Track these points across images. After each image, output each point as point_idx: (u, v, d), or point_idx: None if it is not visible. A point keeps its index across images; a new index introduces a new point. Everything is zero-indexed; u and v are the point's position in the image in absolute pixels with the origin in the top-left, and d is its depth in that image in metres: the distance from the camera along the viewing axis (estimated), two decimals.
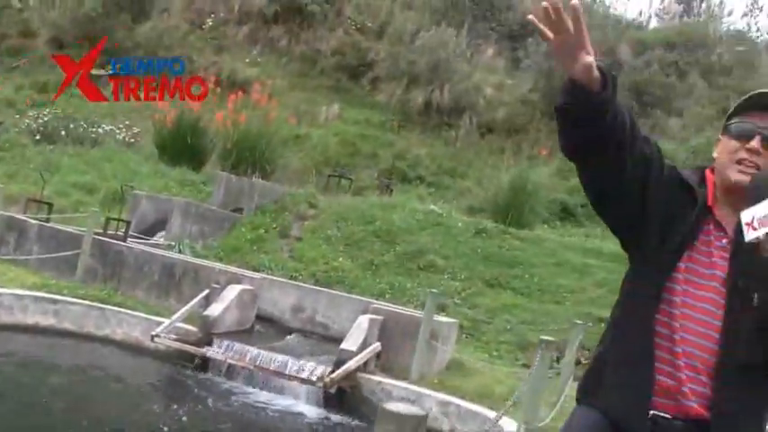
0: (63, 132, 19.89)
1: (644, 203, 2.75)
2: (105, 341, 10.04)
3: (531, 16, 2.58)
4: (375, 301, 11.03)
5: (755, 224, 2.54)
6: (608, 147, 2.59)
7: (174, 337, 9.49)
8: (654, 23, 37.11)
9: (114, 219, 12.71)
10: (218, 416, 8.42)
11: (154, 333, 9.31)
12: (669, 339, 2.72)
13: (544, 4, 2.43)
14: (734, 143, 2.83)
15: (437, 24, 26.95)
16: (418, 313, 10.15)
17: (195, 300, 10.00)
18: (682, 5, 39.74)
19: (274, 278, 11.75)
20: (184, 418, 8.09)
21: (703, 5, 34.08)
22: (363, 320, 9.63)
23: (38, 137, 19.83)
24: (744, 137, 2.81)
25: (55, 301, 10.06)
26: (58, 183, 16.39)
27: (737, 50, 30.63)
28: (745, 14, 50.69)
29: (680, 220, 2.78)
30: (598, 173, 2.68)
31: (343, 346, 9.15)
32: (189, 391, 9.01)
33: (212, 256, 13.25)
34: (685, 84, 27.68)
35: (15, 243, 12.20)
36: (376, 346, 9.51)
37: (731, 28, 46.41)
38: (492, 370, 10.58)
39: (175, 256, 12.05)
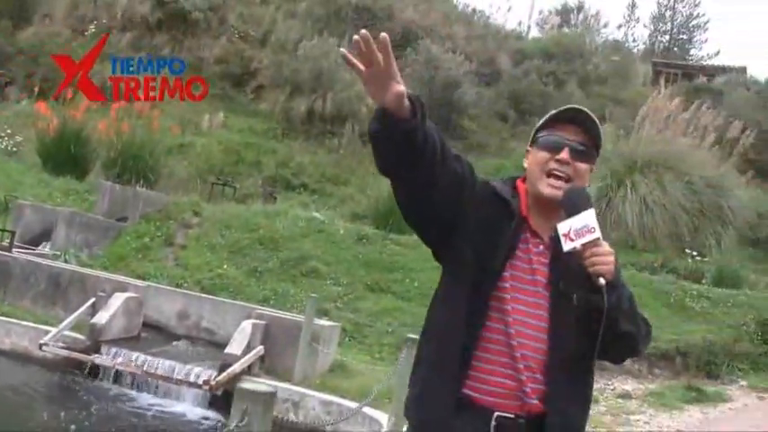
0: None
1: (457, 219, 2.90)
2: None
3: (342, 50, 2.71)
4: (258, 307, 11.48)
5: (572, 236, 2.78)
6: (419, 167, 2.72)
7: (62, 345, 9.82)
8: (534, 33, 38.42)
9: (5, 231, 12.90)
10: (106, 420, 8.80)
11: (42, 342, 9.62)
12: (506, 345, 2.88)
13: (356, 37, 2.57)
14: (543, 154, 3.02)
15: (319, 33, 27.47)
16: (300, 317, 10.64)
17: (82, 308, 10.31)
18: (560, 17, 41.22)
19: (159, 286, 12.13)
20: (73, 425, 8.44)
21: (580, 17, 35.37)
22: (247, 325, 10.09)
23: None
24: (553, 149, 3.00)
25: None
26: None
27: (612, 60, 32.02)
28: (620, 25, 52.74)
29: (499, 232, 2.95)
30: (411, 191, 2.82)
31: (228, 350, 9.61)
32: (78, 398, 9.35)
33: (98, 265, 13.50)
34: (563, 93, 28.74)
35: None
36: (259, 349, 9.98)
37: (610, 38, 48.41)
38: (373, 371, 11.13)
39: (61, 265, 12.31)
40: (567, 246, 2.78)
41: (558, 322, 2.87)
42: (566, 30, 36.75)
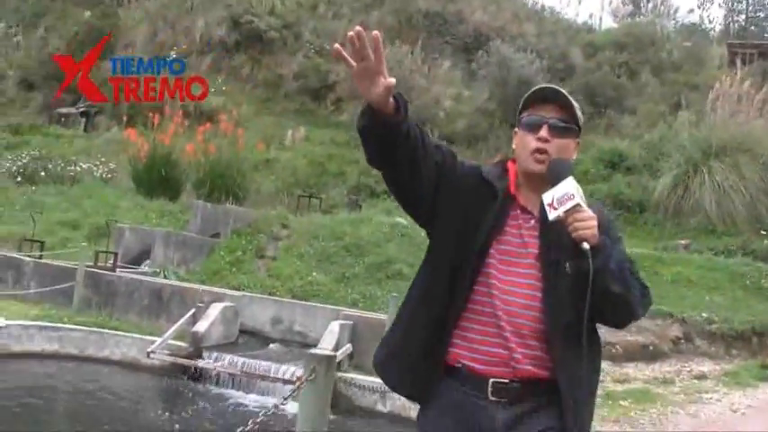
0: (42, 173, 21.11)
1: (437, 202, 3.16)
2: (105, 362, 11.32)
3: (336, 45, 2.92)
4: (346, 308, 12.35)
5: (555, 204, 2.97)
6: (404, 158, 2.99)
7: (168, 352, 10.81)
8: (607, 23, 38.60)
9: (103, 251, 14.00)
10: (211, 418, 9.73)
11: (149, 350, 10.61)
12: (493, 315, 3.07)
13: (350, 33, 2.80)
14: (526, 134, 3.22)
15: (392, 42, 28.25)
16: (384, 316, 11.46)
17: (183, 318, 11.31)
18: (632, 4, 41.29)
19: (253, 294, 13.05)
20: (180, 424, 9.39)
21: (650, 4, 35.51)
22: (335, 326, 10.99)
23: (19, 178, 21.05)
24: (534, 128, 3.19)
25: (57, 329, 11.37)
26: (45, 221, 17.57)
27: (685, 46, 32.09)
28: (691, 10, 52.28)
29: (482, 212, 3.15)
30: (398, 179, 3.09)
31: (318, 349, 10.46)
32: (184, 400, 10.32)
33: (195, 279, 14.46)
34: (636, 82, 29.06)
35: (13, 280, 13.50)
36: (348, 347, 10.85)
37: (684, 21, 48.15)
38: None
39: (161, 280, 13.40)
40: (551, 215, 2.98)
41: (551, 291, 3.05)
42: (636, 19, 36.82)
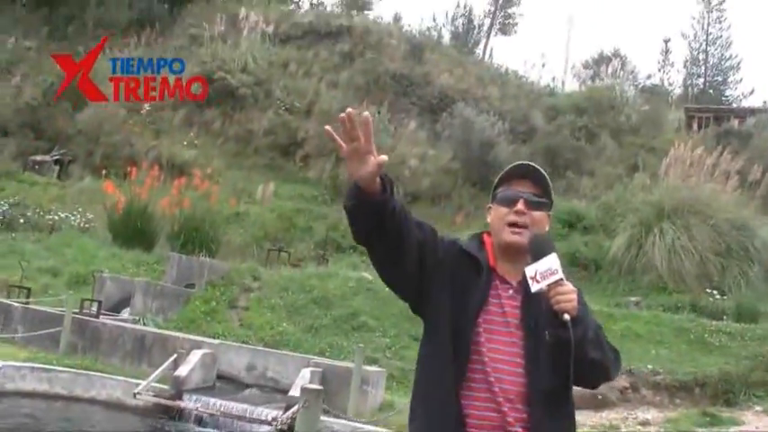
0: (21, 220, 22.03)
1: (423, 279, 3.33)
2: (92, 401, 12.25)
3: (327, 127, 3.13)
4: (315, 357, 13.45)
5: (538, 278, 3.12)
6: (389, 236, 3.13)
7: (152, 393, 11.79)
8: (570, 85, 40.09)
9: (88, 299, 14.96)
10: None
11: (135, 391, 11.61)
12: (485, 381, 3.24)
13: (341, 115, 2.94)
14: (502, 208, 3.43)
15: (360, 102, 29.49)
16: (351, 365, 12.53)
17: (166, 363, 12.30)
18: (593, 68, 42.89)
19: (230, 343, 14.09)
20: None
21: (610, 68, 37.00)
22: (306, 372, 12.09)
23: None
24: (510, 202, 3.40)
25: (48, 370, 12.31)
26: (26, 268, 18.50)
27: (644, 110, 33.55)
28: (650, 75, 53.90)
29: (470, 286, 3.34)
30: (384, 257, 3.26)
31: (291, 393, 11.51)
32: None
33: (173, 327, 15.40)
34: (596, 145, 30.33)
35: (1, 324, 14.44)
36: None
37: (647, 83, 49.76)
38: None
39: (144, 328, 14.40)
40: (534, 287, 3.15)
41: (533, 358, 3.24)
42: (597, 83, 38.25)
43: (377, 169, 3.02)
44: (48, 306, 15.37)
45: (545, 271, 3.12)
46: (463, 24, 60.13)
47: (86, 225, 22.67)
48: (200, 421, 11.76)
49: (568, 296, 3.10)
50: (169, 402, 11.72)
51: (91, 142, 31.00)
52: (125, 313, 16.06)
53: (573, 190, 27.77)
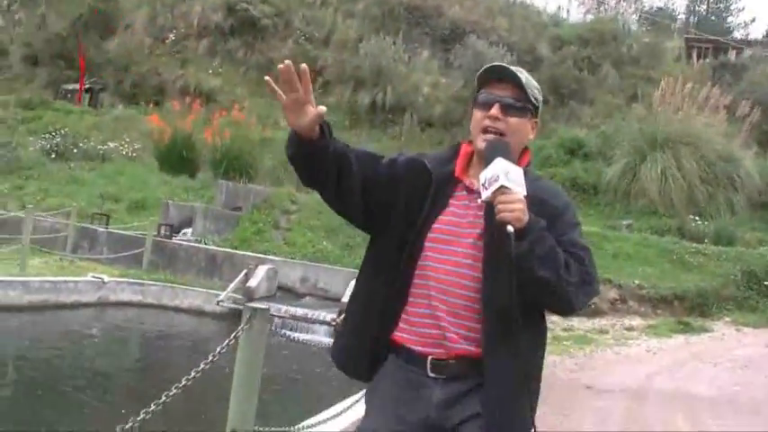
0: (75, 151, 25.06)
1: (372, 206, 3.24)
2: (177, 309, 15.48)
3: (266, 77, 3.04)
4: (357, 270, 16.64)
5: (486, 185, 2.99)
6: (334, 177, 3.10)
7: (232, 301, 15.02)
8: (574, 12, 42.52)
9: (164, 224, 18.14)
10: (269, 349, 13.94)
11: (218, 300, 14.84)
12: (426, 296, 3.16)
13: (280, 66, 2.89)
14: (478, 113, 3.24)
15: (376, 32, 32.26)
16: None
17: (240, 276, 15.51)
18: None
19: (287, 259, 17.23)
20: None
21: (612, 1, 39.46)
22: (353, 283, 15.27)
23: (53, 156, 24.97)
24: (486, 106, 3.21)
25: (140, 284, 15.53)
26: (88, 195, 21.62)
27: (645, 41, 36.19)
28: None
29: (417, 200, 3.23)
30: (333, 195, 3.19)
31: (344, 299, 14.67)
32: None
33: (228, 246, 18.49)
34: (597, 75, 33.13)
35: (88, 246, 17.66)
36: None
37: (649, 8, 51.97)
38: None
39: (215, 248, 17.60)
40: (483, 195, 3.00)
41: (491, 272, 3.07)
42: (602, 11, 40.80)
43: (317, 118, 2.99)
44: (120, 228, 18.58)
45: (491, 177, 2.99)
46: None
47: (134, 154, 25.69)
48: (271, 324, 14.93)
49: (511, 205, 2.93)
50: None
51: (120, 71, 33.82)
52: (187, 234, 19.16)
53: (575, 118, 30.68)
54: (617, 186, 23.89)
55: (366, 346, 3.28)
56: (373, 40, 31.54)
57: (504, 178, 2.95)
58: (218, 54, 34.91)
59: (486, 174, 3.01)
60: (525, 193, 2.99)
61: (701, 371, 13.05)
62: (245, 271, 15.67)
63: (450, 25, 34.16)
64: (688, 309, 17.67)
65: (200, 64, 34.29)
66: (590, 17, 40.15)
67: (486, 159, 3.08)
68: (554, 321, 14.11)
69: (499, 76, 3.27)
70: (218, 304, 14.87)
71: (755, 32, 49.81)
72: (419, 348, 3.18)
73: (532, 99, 3.30)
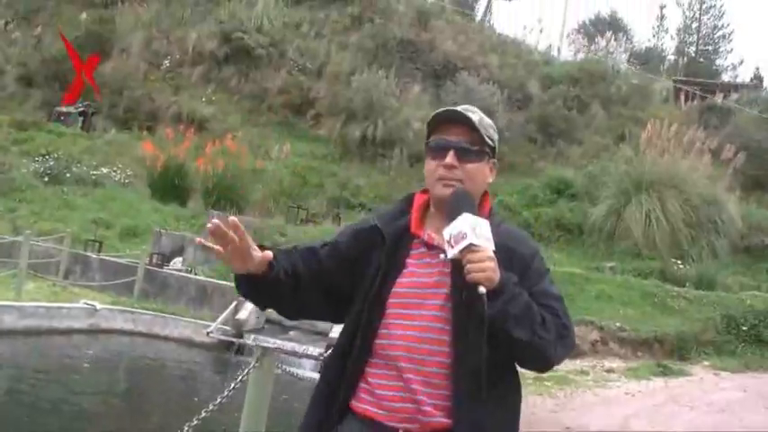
0: (68, 175, 25.41)
1: (332, 294, 3.18)
2: (167, 339, 15.80)
3: (198, 240, 3.03)
4: None
5: (452, 242, 2.82)
6: (287, 293, 3.06)
7: (221, 333, 15.37)
8: (565, 51, 43.27)
9: (155, 253, 18.51)
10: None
11: (207, 331, 15.15)
12: (395, 368, 2.97)
13: (209, 225, 2.82)
14: (432, 162, 3.09)
15: (369, 65, 32.68)
16: None
17: (230, 308, 15.84)
18: (592, 30, 45.99)
19: None
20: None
21: (603, 42, 40.13)
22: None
23: (46, 179, 25.31)
24: (439, 153, 3.06)
25: (132, 312, 15.87)
26: (80, 219, 21.96)
27: (633, 83, 36.80)
28: (645, 47, 56.50)
29: (371, 264, 3.08)
30: (294, 308, 3.22)
31: (331, 335, 15.05)
32: (234, 366, 14.89)
33: (217, 276, 18.78)
34: (586, 115, 33.63)
35: (80, 272, 18.00)
36: None
37: (641, 47, 52.67)
38: None
39: (206, 278, 17.94)
40: (449, 254, 2.83)
41: (461, 333, 2.91)
42: (593, 49, 41.40)
43: (264, 260, 2.95)
44: (113, 256, 18.93)
45: (457, 234, 2.81)
46: None
47: (127, 180, 26.07)
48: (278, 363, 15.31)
49: (480, 264, 2.77)
50: (236, 340, 15.31)
51: (114, 95, 34.25)
52: (177, 263, 19.51)
53: (563, 157, 31.13)
54: (602, 227, 24.20)
55: (327, 414, 3.11)
56: (366, 73, 31.96)
57: (473, 235, 2.81)
58: (212, 81, 35.38)
59: (451, 230, 2.86)
60: (494, 248, 2.85)
61: (679, 414, 13.37)
62: (234, 303, 15.99)
63: (442, 60, 34.67)
64: (668, 352, 17.94)
65: (194, 91, 34.72)
66: (581, 56, 40.74)
67: (449, 214, 2.92)
68: None
69: (452, 118, 3.13)
70: (207, 335, 15.21)
71: (744, 75, 50.25)
72: (391, 423, 2.99)
73: (488, 140, 3.16)
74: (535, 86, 35.02)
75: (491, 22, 53.44)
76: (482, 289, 2.76)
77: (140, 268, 17.23)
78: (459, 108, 3.15)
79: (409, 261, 3.09)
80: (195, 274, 18.54)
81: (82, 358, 14.29)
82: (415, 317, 3.00)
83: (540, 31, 74.45)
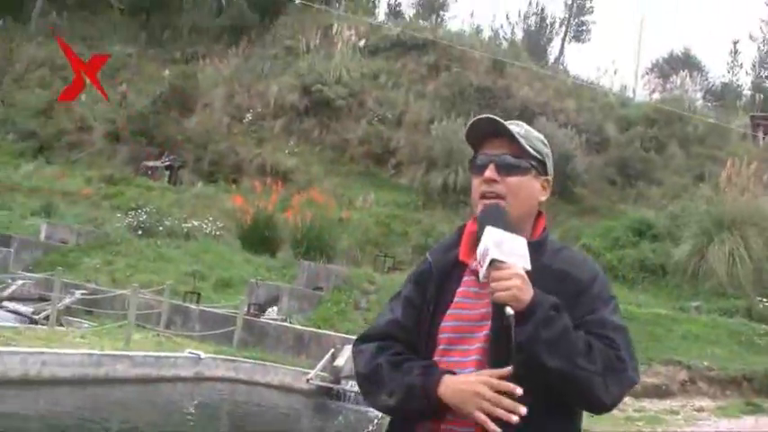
0: (160, 228, 26.37)
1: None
2: (267, 386, 16.50)
3: None
4: None
5: (481, 261, 2.63)
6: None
7: (320, 379, 16.02)
8: (640, 91, 43.59)
9: (253, 303, 19.26)
10: (354, 423, 14.95)
11: (308, 377, 15.83)
12: (441, 414, 2.74)
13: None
14: (476, 180, 2.90)
15: (447, 113, 33.37)
16: None
17: (327, 356, 16.48)
18: (660, 78, 46.23)
19: None
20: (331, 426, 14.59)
21: (678, 81, 40.39)
22: None
23: (140, 232, 26.29)
24: (480, 169, 2.87)
25: (233, 361, 16.61)
26: (175, 272, 22.79)
27: (710, 122, 36.95)
28: (721, 84, 56.45)
29: (433, 295, 2.90)
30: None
31: None
32: (333, 412, 15.55)
33: (311, 324, 19.50)
34: (664, 155, 33.86)
35: (181, 322, 18.81)
36: None
37: (716, 83, 52.70)
38: None
39: (303, 327, 18.63)
40: (480, 275, 2.68)
41: (496, 367, 2.65)
42: (668, 88, 41.73)
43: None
44: (210, 306, 19.74)
45: (483, 252, 2.63)
46: (536, 23, 63.54)
47: (218, 232, 26.95)
48: (357, 402, 15.86)
49: (504, 282, 2.58)
50: (334, 386, 15.92)
51: (199, 149, 35.31)
52: (272, 312, 20.23)
53: (643, 199, 31.44)
54: (685, 267, 24.44)
55: None
56: (445, 120, 32.60)
57: (496, 250, 2.59)
58: (294, 133, 36.30)
59: (479, 248, 2.66)
60: (527, 267, 2.63)
61: None
62: (332, 350, 16.65)
63: (519, 106, 35.07)
64: (757, 390, 18.18)
65: (277, 143, 35.70)
66: (656, 96, 41.03)
67: (479, 231, 2.72)
68: (626, 402, 14.93)
69: (492, 132, 2.94)
70: (307, 382, 15.86)
71: None
72: None
73: (533, 152, 2.95)
74: (612, 129, 35.40)
75: (565, 65, 53.93)
76: (509, 310, 2.56)
77: (239, 318, 17.97)
78: (497, 118, 2.95)
79: (460, 291, 2.87)
80: (291, 323, 19.20)
81: (189, 405, 15.05)
82: (458, 353, 2.80)
83: (615, 72, 74.82)
